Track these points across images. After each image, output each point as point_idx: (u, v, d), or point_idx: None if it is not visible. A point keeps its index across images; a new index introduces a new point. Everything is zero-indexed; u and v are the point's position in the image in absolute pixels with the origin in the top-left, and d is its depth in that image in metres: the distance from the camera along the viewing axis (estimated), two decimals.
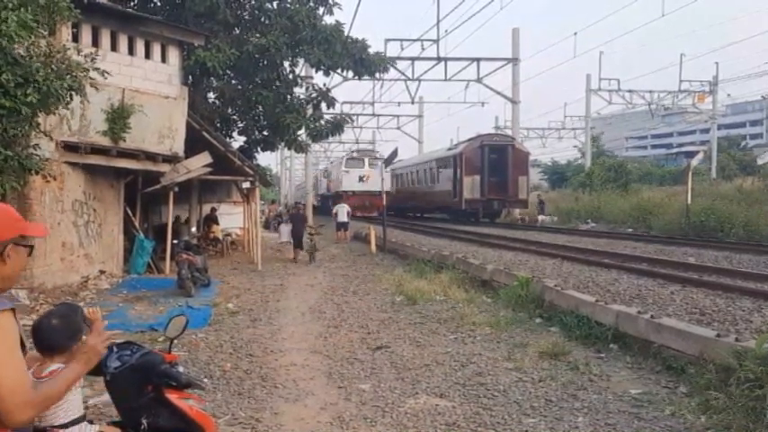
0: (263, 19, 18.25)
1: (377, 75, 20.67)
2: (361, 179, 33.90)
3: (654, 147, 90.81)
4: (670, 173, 48.66)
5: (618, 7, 38.20)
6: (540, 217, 29.23)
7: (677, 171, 43.56)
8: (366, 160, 35.34)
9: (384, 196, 21.22)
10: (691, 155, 33.01)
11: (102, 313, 9.35)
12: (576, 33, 30.99)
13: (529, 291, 9.35)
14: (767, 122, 78.82)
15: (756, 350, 4.76)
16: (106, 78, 8.99)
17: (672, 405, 5.08)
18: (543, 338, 7.33)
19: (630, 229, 23.00)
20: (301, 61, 19.51)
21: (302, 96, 20.12)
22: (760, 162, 28.45)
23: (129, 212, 14.36)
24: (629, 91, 39.34)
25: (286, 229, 21.23)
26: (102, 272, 12.81)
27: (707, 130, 53.55)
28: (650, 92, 39.75)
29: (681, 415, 4.87)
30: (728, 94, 45.54)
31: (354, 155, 37.10)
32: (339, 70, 18.81)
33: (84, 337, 2.48)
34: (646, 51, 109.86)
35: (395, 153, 22.29)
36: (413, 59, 28.46)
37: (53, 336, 2.52)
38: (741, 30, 52.56)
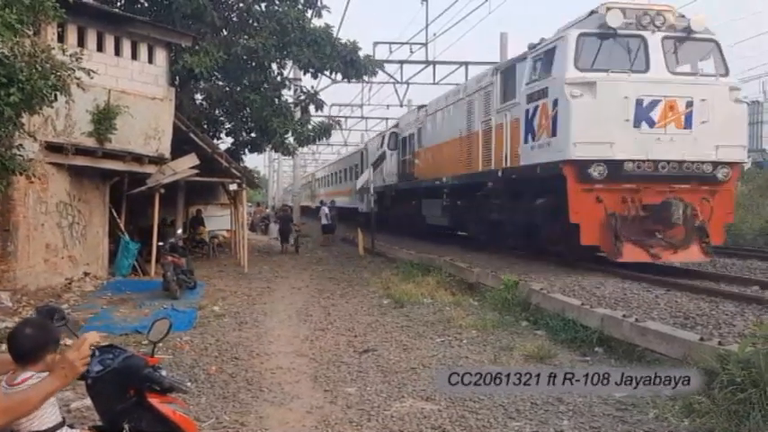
0: (251, 21, 18.18)
1: (365, 77, 20.67)
2: (646, 119, 10.32)
3: None
4: None
5: None
6: None
7: None
8: (656, 38, 10.54)
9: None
10: None
11: (87, 315, 9.18)
12: None
13: (515, 294, 9.39)
14: (751, 128, 79.82)
15: (739, 354, 4.80)
16: (92, 77, 8.91)
17: (656, 408, 5.11)
18: (529, 341, 7.36)
19: None
20: (289, 64, 19.47)
21: (290, 99, 20.10)
22: (745, 167, 28.71)
23: (115, 214, 14.24)
24: None
25: (275, 227, 24.83)
26: (86, 274, 12.68)
27: None
28: None
29: (664, 418, 4.91)
30: None
31: (627, 19, 10.42)
32: (328, 72, 18.80)
33: (62, 344, 2.45)
34: None
35: (384, 156, 22.22)
36: (401, 62, 28.40)
37: (26, 345, 2.48)
38: (730, 35, 53.23)
